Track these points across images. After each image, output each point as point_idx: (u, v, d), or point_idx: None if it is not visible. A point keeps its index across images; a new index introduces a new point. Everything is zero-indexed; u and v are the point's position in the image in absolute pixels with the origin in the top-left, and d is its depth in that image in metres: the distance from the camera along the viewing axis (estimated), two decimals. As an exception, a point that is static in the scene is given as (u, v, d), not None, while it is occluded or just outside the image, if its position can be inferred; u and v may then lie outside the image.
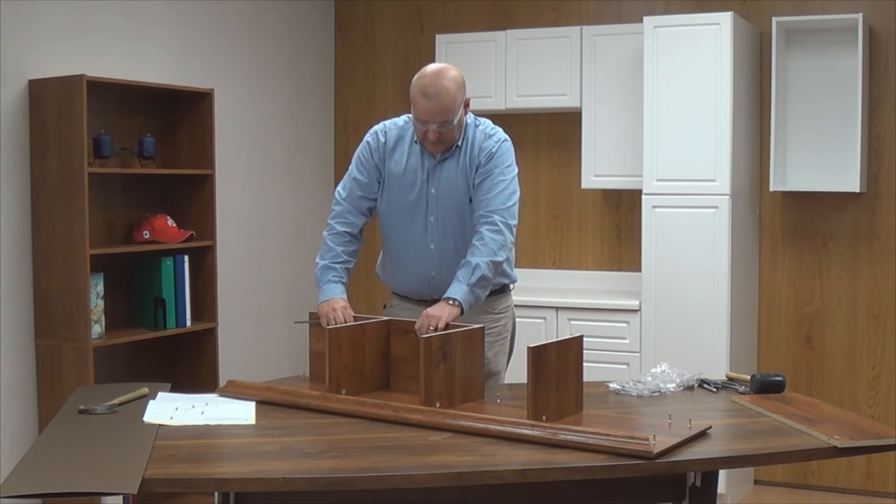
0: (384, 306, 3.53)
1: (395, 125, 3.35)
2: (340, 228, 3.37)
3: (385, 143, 3.33)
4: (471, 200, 3.24)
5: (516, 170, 3.30)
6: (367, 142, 3.36)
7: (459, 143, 3.25)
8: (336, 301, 3.22)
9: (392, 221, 3.36)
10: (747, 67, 4.73)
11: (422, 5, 5.66)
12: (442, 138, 3.18)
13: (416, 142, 3.28)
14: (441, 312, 3.01)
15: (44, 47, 4.14)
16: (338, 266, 3.33)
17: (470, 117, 3.30)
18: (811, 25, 4.71)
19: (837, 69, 4.71)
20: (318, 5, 5.77)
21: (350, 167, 3.41)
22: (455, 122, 3.16)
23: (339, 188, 3.43)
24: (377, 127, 3.39)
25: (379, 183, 3.35)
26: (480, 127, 3.30)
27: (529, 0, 5.40)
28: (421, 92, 3.12)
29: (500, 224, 3.16)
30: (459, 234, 3.27)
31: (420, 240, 3.30)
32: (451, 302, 3.06)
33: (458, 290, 3.09)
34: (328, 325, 3.09)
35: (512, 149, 3.30)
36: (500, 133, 3.31)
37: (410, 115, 3.25)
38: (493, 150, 3.24)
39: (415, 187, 3.28)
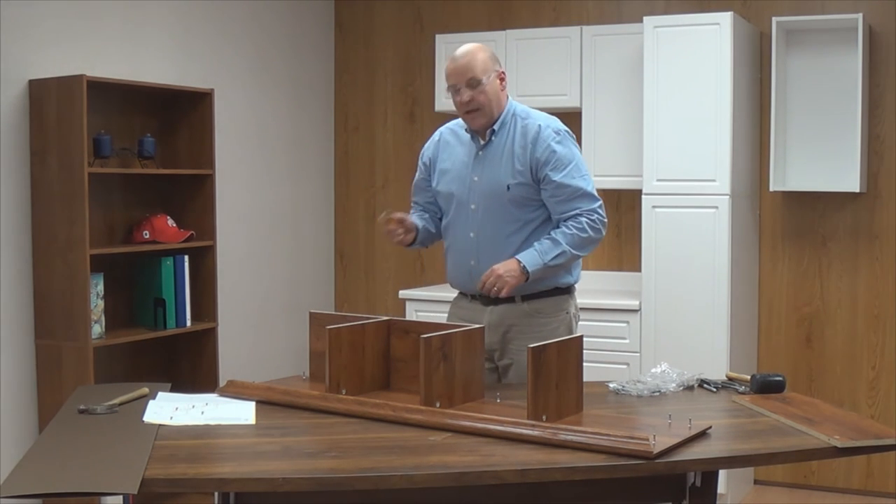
0: (451, 304, 3.50)
1: (454, 122, 3.43)
2: (418, 212, 3.50)
3: (440, 140, 3.43)
4: (508, 188, 3.21)
5: (583, 159, 3.29)
6: (424, 147, 3.49)
7: (496, 127, 3.24)
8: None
9: (445, 212, 3.40)
10: (747, 67, 4.73)
11: (422, 5, 5.66)
12: (476, 103, 3.18)
13: (466, 131, 3.33)
14: (509, 279, 3.11)
15: (44, 47, 4.14)
16: (414, 215, 3.45)
17: (519, 106, 3.31)
18: (811, 25, 4.71)
19: (837, 69, 4.71)
20: (318, 5, 5.77)
21: None
22: (486, 83, 3.17)
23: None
24: (438, 129, 3.50)
25: (429, 180, 3.43)
26: (533, 115, 3.28)
27: (529, 0, 5.40)
28: (450, 59, 3.24)
29: (587, 227, 3.19)
30: (498, 224, 3.24)
31: (462, 228, 3.31)
32: (522, 268, 3.12)
33: (534, 261, 3.14)
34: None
35: (571, 138, 3.28)
36: (556, 123, 3.28)
37: None
38: (553, 142, 3.20)
39: (461, 176, 3.31)
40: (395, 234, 3.31)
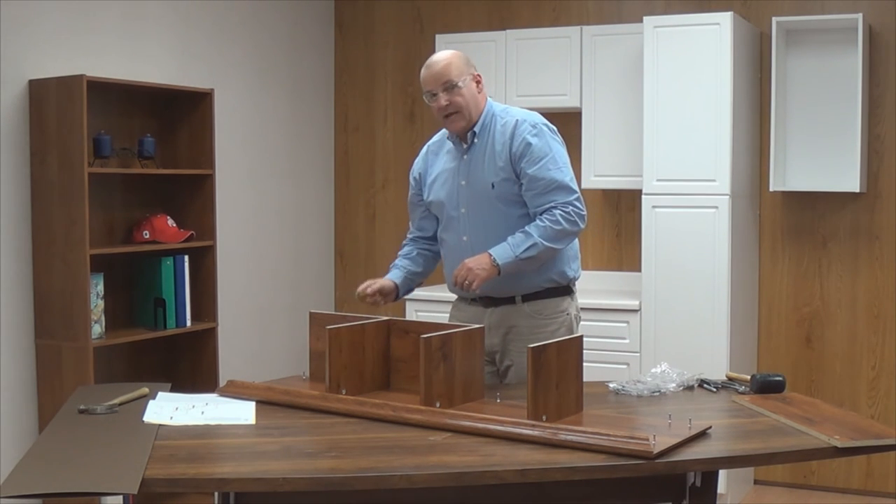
0: (451, 307, 3.50)
1: (438, 134, 3.46)
2: (406, 248, 3.54)
3: (427, 153, 3.46)
4: (493, 186, 3.21)
5: (564, 152, 3.25)
6: (412, 167, 3.51)
7: (477, 129, 3.25)
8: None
9: (440, 221, 3.41)
10: (747, 67, 4.73)
11: (422, 5, 5.66)
12: (454, 107, 3.20)
13: (449, 138, 3.35)
14: (479, 272, 3.09)
15: (44, 47, 4.14)
16: (396, 263, 3.50)
17: (498, 106, 3.32)
18: (811, 25, 4.71)
19: (837, 69, 4.71)
20: (318, 5, 5.77)
21: None
22: (462, 86, 3.19)
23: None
24: (425, 144, 3.53)
25: (420, 195, 3.44)
26: (512, 112, 3.28)
27: (529, 0, 5.40)
28: (423, 67, 3.25)
29: (561, 220, 3.14)
30: (489, 224, 3.24)
31: (455, 233, 3.31)
32: (493, 262, 3.10)
33: (505, 254, 3.12)
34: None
35: (551, 131, 3.25)
36: (533, 117, 3.26)
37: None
38: (528, 135, 3.19)
39: (448, 182, 3.32)
40: (379, 303, 3.36)
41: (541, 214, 3.17)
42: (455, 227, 3.31)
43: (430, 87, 3.21)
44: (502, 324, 3.27)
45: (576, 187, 3.21)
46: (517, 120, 3.23)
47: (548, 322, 3.27)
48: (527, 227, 3.15)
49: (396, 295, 3.41)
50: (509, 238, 3.15)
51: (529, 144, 3.17)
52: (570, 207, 3.16)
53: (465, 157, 3.28)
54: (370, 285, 3.33)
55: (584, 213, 3.21)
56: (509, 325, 3.27)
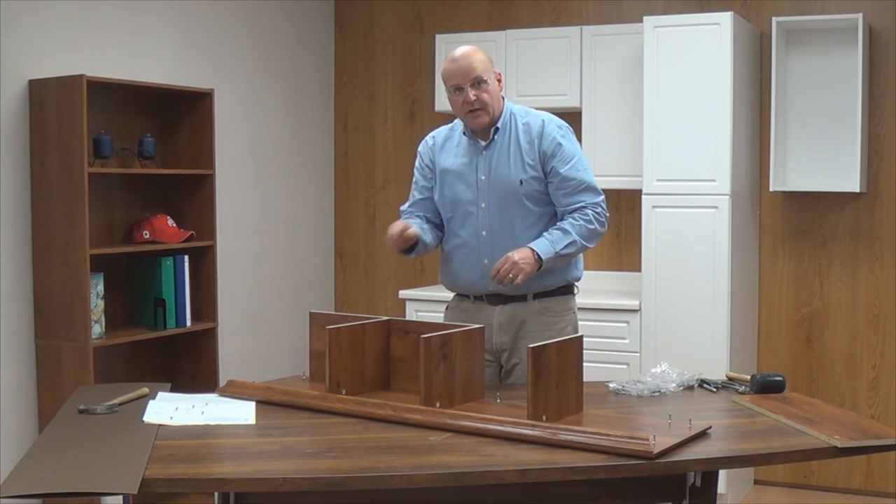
0: (446, 308, 3.47)
1: (443, 128, 3.45)
2: (416, 219, 3.40)
3: (434, 144, 3.42)
4: (521, 183, 3.23)
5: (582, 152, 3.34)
6: (419, 151, 3.47)
7: (499, 125, 3.27)
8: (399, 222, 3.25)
9: (447, 214, 3.38)
10: (747, 67, 4.73)
11: (422, 5, 5.66)
12: (481, 102, 3.19)
13: (463, 133, 3.33)
14: (524, 266, 3.09)
15: (44, 47, 4.14)
16: (417, 218, 3.38)
17: (515, 106, 3.35)
18: (811, 25, 4.71)
19: (837, 69, 4.71)
20: (318, 5, 5.77)
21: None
22: (489, 81, 3.20)
23: (402, 206, 3.49)
24: (427, 135, 3.49)
25: (433, 182, 3.40)
26: (532, 113, 3.33)
27: (529, 0, 5.40)
28: (448, 60, 3.24)
29: (594, 220, 3.23)
30: (513, 219, 3.25)
31: (472, 228, 3.30)
32: (536, 256, 3.12)
33: (547, 249, 3.14)
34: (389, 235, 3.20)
35: (571, 133, 3.33)
36: (556, 118, 3.33)
37: (458, 119, 3.34)
38: (558, 136, 3.25)
39: (465, 177, 3.31)
40: (402, 247, 3.26)
41: (571, 213, 3.23)
42: (473, 222, 3.29)
43: (458, 82, 3.20)
44: (513, 321, 3.28)
45: (600, 190, 3.30)
46: (543, 120, 3.28)
47: (557, 319, 3.30)
48: (562, 225, 3.21)
49: (411, 249, 3.30)
50: (546, 235, 3.19)
51: (560, 144, 3.24)
52: (599, 209, 3.26)
53: (485, 152, 3.28)
54: (406, 228, 3.20)
55: (608, 215, 3.31)
56: (521, 322, 3.27)
